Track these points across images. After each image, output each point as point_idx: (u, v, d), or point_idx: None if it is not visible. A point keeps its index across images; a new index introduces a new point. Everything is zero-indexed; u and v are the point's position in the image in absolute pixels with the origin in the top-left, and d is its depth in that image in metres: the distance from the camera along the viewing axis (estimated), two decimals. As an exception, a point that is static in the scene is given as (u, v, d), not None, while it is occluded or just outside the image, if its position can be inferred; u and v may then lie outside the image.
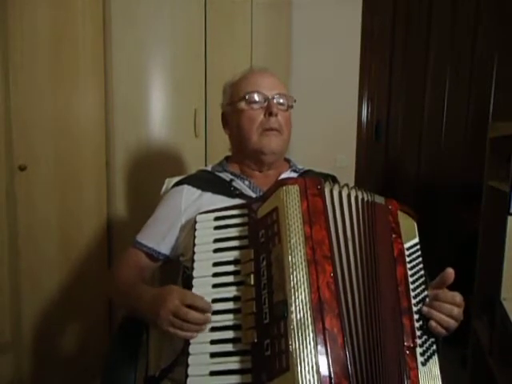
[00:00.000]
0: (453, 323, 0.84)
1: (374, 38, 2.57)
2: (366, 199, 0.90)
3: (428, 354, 0.81)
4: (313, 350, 0.70)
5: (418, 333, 0.81)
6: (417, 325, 0.82)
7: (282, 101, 1.12)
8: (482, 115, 2.46)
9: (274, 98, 1.10)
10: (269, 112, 1.08)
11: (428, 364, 0.80)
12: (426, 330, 0.83)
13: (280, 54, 2.22)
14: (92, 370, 1.59)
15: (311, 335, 0.71)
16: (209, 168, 1.21)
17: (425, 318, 0.84)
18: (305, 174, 1.19)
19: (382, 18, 2.57)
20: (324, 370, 0.69)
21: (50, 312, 1.66)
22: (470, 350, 1.99)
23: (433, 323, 0.82)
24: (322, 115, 2.42)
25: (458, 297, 0.86)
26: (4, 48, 1.50)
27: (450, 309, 0.84)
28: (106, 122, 1.74)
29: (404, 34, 2.58)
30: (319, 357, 0.70)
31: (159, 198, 1.21)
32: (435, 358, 0.82)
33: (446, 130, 2.58)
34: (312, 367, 0.69)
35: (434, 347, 0.83)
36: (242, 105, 1.11)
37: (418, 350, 0.80)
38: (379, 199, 0.93)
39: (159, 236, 1.09)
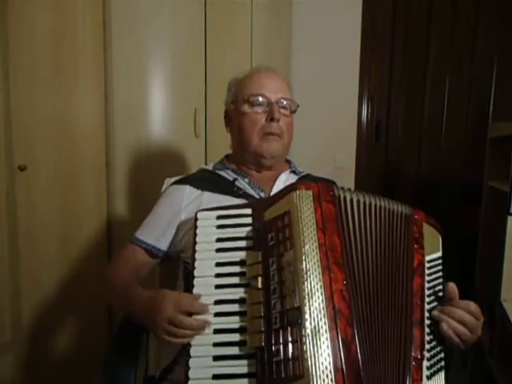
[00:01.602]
0: (465, 331, 0.81)
1: (374, 37, 2.57)
2: (383, 206, 0.89)
3: (435, 368, 0.80)
4: (327, 358, 0.70)
5: (428, 346, 0.80)
6: (427, 338, 0.81)
7: (285, 104, 1.11)
8: (481, 115, 2.46)
9: (277, 103, 1.09)
10: (271, 117, 1.08)
11: (433, 379, 0.79)
12: (436, 344, 0.82)
13: (280, 54, 2.22)
14: (92, 370, 1.59)
15: (326, 343, 0.71)
16: (210, 167, 1.20)
17: (436, 332, 0.82)
18: (304, 178, 1.18)
19: (382, 18, 2.57)
20: (339, 378, 0.69)
21: (50, 312, 1.66)
22: (470, 351, 1.99)
23: (444, 325, 0.81)
24: (322, 115, 2.42)
25: (472, 305, 0.83)
26: (4, 48, 1.50)
27: (461, 314, 0.81)
28: (106, 122, 1.74)
29: (404, 34, 2.58)
30: (334, 364, 0.70)
31: (159, 197, 1.21)
32: (441, 374, 0.80)
33: (446, 130, 2.57)
34: (327, 375, 0.69)
35: (442, 363, 0.81)
36: (245, 107, 1.10)
37: (425, 364, 0.78)
38: (404, 208, 0.92)
39: (159, 232, 1.09)
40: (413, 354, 0.78)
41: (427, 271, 0.87)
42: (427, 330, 0.82)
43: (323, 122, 2.43)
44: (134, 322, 1.04)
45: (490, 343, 1.73)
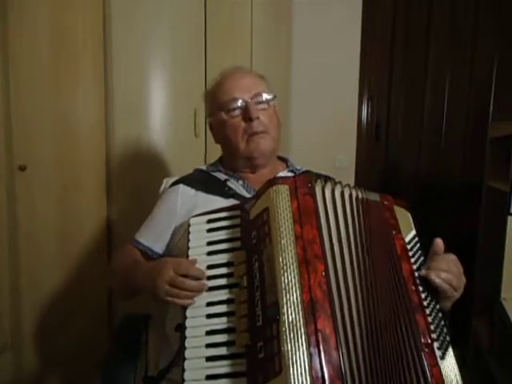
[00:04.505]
0: (452, 277, 0.84)
1: (374, 37, 2.57)
2: (360, 197, 0.89)
3: (444, 346, 0.80)
4: (305, 352, 0.69)
5: (431, 327, 0.80)
6: (429, 319, 0.81)
7: (261, 99, 1.09)
8: (482, 115, 2.46)
9: (251, 100, 1.08)
10: (248, 117, 1.06)
11: (446, 357, 0.79)
12: (438, 322, 0.82)
13: (280, 54, 2.22)
14: (92, 370, 1.59)
15: (303, 337, 0.70)
16: (204, 168, 1.21)
17: (435, 309, 0.83)
18: (301, 175, 1.18)
19: (382, 18, 2.57)
20: (317, 372, 0.68)
21: (50, 312, 1.66)
22: (470, 350, 1.99)
23: (432, 275, 0.83)
24: (322, 115, 2.42)
25: (451, 255, 0.89)
26: (4, 48, 1.51)
27: (445, 264, 0.85)
28: (106, 122, 1.74)
29: (404, 34, 2.58)
30: (312, 358, 0.69)
31: (158, 198, 1.22)
32: (450, 349, 0.80)
33: (445, 129, 2.57)
34: (305, 369, 0.68)
35: (448, 338, 0.81)
36: (222, 115, 1.10)
37: (435, 345, 0.78)
38: (374, 196, 0.92)
39: (155, 235, 1.10)
40: (422, 340, 0.77)
41: (409, 253, 0.88)
42: (427, 311, 0.82)
43: (323, 121, 2.43)
44: (134, 322, 1.05)
45: (490, 343, 1.73)
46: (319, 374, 0.68)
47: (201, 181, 1.13)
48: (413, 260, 0.87)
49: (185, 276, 0.83)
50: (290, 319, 0.72)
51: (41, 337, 1.66)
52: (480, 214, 1.97)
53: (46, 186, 1.63)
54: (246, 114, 1.07)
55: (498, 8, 2.39)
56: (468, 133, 2.54)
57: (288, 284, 0.74)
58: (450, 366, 0.78)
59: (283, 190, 0.84)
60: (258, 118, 1.07)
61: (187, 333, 0.80)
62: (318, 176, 1.12)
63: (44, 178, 1.62)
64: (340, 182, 0.91)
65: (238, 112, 1.08)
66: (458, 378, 0.78)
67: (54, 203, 1.65)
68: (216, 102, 1.11)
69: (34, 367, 1.65)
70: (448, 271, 0.85)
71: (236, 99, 1.08)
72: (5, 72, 1.51)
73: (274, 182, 0.86)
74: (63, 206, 1.67)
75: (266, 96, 1.10)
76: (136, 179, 1.76)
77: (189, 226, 0.92)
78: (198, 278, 0.83)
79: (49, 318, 1.66)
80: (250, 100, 1.08)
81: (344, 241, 0.83)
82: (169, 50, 1.79)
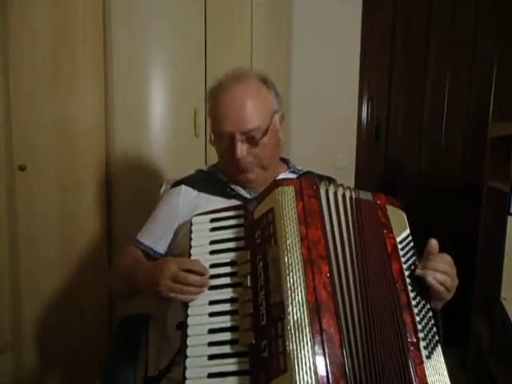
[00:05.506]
0: (447, 278, 0.85)
1: (373, 37, 2.57)
2: (357, 198, 0.91)
3: (431, 345, 0.80)
4: (310, 351, 0.70)
5: (419, 326, 0.81)
6: (417, 318, 0.81)
7: (251, 135, 1.01)
8: (482, 115, 2.46)
9: (240, 137, 1.00)
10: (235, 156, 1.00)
11: (433, 356, 0.79)
12: (427, 322, 0.83)
13: (280, 53, 2.21)
14: (92, 370, 1.59)
15: (308, 336, 0.71)
16: (205, 168, 1.21)
17: (424, 309, 0.83)
18: (304, 176, 1.17)
19: (382, 18, 2.57)
20: (322, 371, 0.69)
21: (50, 312, 1.67)
22: (470, 350, 1.99)
23: (429, 278, 0.83)
24: (322, 115, 2.42)
25: (446, 256, 0.89)
26: (4, 48, 1.51)
27: (441, 266, 0.85)
28: (106, 122, 1.74)
29: (404, 33, 2.58)
30: (317, 357, 0.70)
31: (159, 198, 1.22)
32: (439, 349, 0.81)
33: (446, 130, 2.57)
34: (310, 368, 0.69)
35: (437, 338, 0.82)
36: (216, 136, 1.06)
37: (422, 344, 0.79)
38: (367, 195, 0.93)
39: (157, 235, 1.11)
40: (408, 339, 0.78)
41: (401, 252, 0.88)
42: (415, 310, 0.82)
43: (323, 121, 2.42)
44: (134, 322, 1.05)
45: (490, 343, 1.73)
46: (324, 373, 0.69)
47: (203, 181, 1.13)
48: (404, 259, 0.88)
49: (188, 271, 0.83)
50: (295, 319, 0.73)
51: (41, 337, 1.66)
52: (480, 214, 1.97)
53: (46, 186, 1.63)
54: (233, 151, 1.00)
55: (498, 8, 2.39)
56: (468, 133, 2.54)
57: (293, 284, 0.75)
58: (436, 365, 0.79)
59: (289, 192, 0.85)
60: (245, 155, 1.01)
61: (189, 331, 0.81)
62: (320, 177, 1.13)
63: (44, 178, 1.62)
64: (342, 184, 0.92)
65: (228, 142, 1.02)
66: (445, 377, 0.79)
67: (53, 203, 1.65)
68: (211, 119, 1.07)
69: (34, 367, 1.65)
70: (444, 273, 0.85)
71: (225, 132, 1.01)
72: (5, 72, 1.52)
73: (279, 183, 0.87)
74: (63, 207, 1.67)
75: (257, 135, 1.01)
76: (136, 179, 1.76)
77: (191, 224, 0.92)
78: (201, 274, 0.83)
79: (49, 319, 1.66)
80: (238, 137, 1.00)
81: (346, 242, 0.84)
82: (169, 50, 1.79)
